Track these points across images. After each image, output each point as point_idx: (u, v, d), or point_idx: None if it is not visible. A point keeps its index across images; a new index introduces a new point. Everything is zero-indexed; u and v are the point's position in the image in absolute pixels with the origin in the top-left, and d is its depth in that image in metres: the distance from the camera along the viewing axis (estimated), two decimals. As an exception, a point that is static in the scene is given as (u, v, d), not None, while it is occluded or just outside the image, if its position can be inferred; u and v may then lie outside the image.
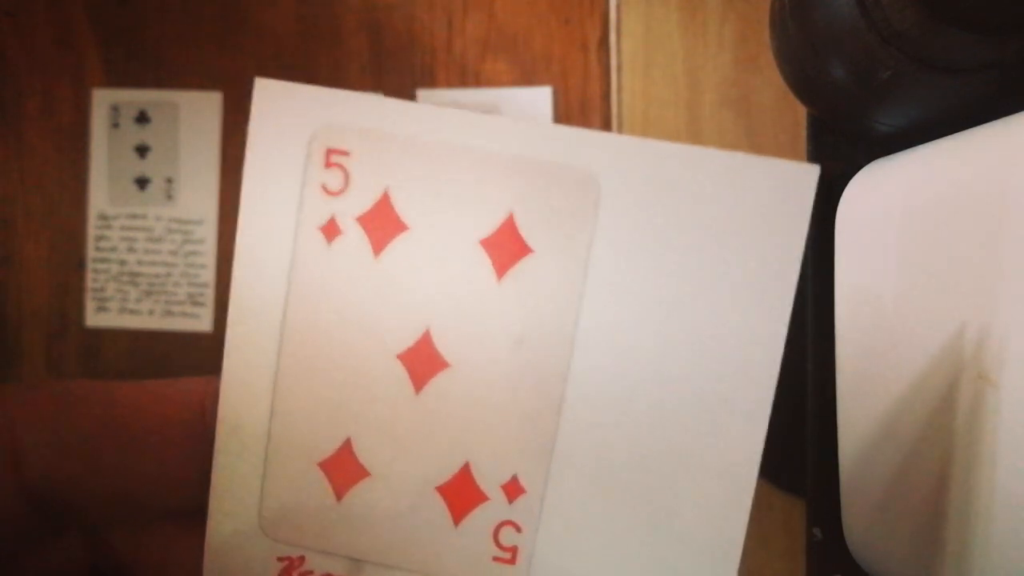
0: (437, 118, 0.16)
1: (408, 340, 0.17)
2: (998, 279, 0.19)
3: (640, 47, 0.44)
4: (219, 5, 0.49)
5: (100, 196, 0.49)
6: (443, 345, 0.17)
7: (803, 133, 0.30)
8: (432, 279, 0.17)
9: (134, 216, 0.49)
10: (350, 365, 0.17)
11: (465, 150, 0.16)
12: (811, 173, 0.16)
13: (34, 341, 0.49)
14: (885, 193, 0.25)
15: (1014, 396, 0.19)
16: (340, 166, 0.17)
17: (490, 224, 0.17)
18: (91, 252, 0.49)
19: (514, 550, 0.18)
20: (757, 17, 0.43)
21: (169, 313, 0.48)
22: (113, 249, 0.49)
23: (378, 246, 0.17)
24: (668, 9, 0.44)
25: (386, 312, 0.17)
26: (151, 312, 0.48)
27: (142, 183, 0.49)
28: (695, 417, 0.17)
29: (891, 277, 0.24)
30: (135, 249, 0.49)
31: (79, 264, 0.49)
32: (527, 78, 0.47)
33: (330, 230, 0.17)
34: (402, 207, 0.17)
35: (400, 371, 0.17)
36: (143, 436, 0.17)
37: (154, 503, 0.18)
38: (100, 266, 0.49)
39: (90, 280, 0.49)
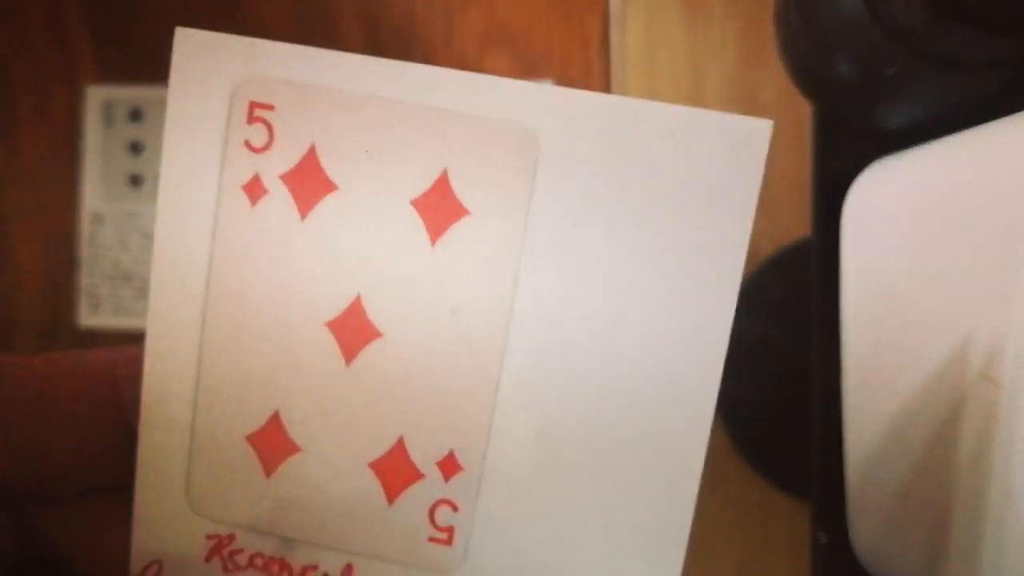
0: (365, 68, 0.16)
1: (337, 307, 0.16)
2: (1009, 278, 0.19)
3: (642, 43, 0.44)
4: (213, 0, 0.48)
5: (94, 194, 0.48)
6: (374, 313, 0.16)
7: (808, 130, 0.29)
8: (362, 242, 0.16)
9: (128, 214, 0.48)
10: (277, 334, 0.17)
11: (396, 103, 0.16)
12: (764, 129, 0.15)
13: (26, 341, 0.49)
14: (894, 191, 0.25)
15: (1022, 399, 0.18)
16: (264, 120, 0.16)
17: (423, 183, 0.16)
18: (84, 251, 0.49)
19: (450, 531, 0.17)
20: (761, 13, 0.43)
21: (164, 313, 0.48)
22: (107, 248, 0.48)
23: (305, 207, 0.16)
24: (670, 5, 0.44)
25: (314, 278, 0.16)
26: (146, 312, 0.48)
27: (136, 181, 0.48)
28: (641, 389, 0.16)
29: (901, 276, 0.24)
30: (129, 248, 0.48)
31: (72, 263, 0.49)
32: (527, 73, 0.47)
33: (254, 189, 0.16)
34: (329, 164, 0.16)
35: (329, 340, 0.17)
36: (54, 411, 0.17)
37: (74, 479, 0.18)
38: (94, 265, 0.48)
39: (84, 279, 0.49)
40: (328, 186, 0.16)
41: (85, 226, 0.49)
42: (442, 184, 0.16)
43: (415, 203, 0.16)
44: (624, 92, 0.44)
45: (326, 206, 0.16)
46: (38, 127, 0.49)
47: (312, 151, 0.16)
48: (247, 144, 0.16)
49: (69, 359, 0.18)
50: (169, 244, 0.16)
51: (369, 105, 0.16)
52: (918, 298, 0.23)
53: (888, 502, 0.24)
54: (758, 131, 0.15)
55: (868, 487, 0.26)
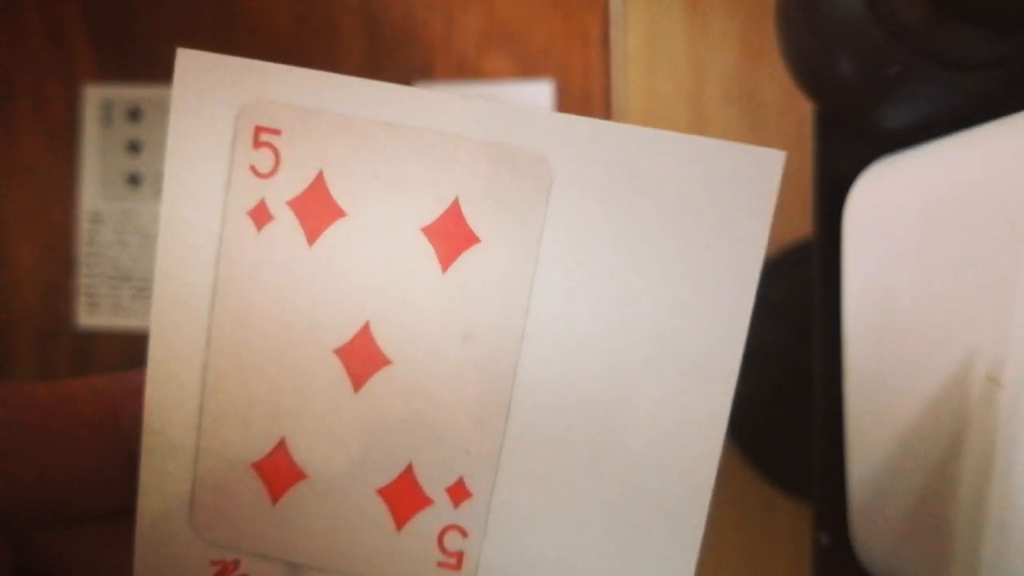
0: (374, 93, 0.15)
1: (346, 334, 0.16)
2: (1014, 281, 0.19)
3: (643, 41, 0.44)
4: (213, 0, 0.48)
5: (92, 194, 0.48)
6: (384, 340, 0.16)
7: (809, 129, 0.29)
8: (371, 269, 0.16)
9: (127, 213, 0.48)
10: (284, 361, 0.16)
11: (406, 129, 0.16)
12: (776, 159, 0.15)
13: (25, 342, 0.49)
14: (895, 191, 0.25)
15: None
16: (270, 145, 0.16)
17: (434, 210, 0.16)
18: (83, 250, 0.48)
19: (459, 555, 0.17)
20: (762, 12, 0.43)
21: (163, 312, 0.48)
22: (105, 247, 0.48)
23: (312, 233, 0.16)
24: (671, 3, 0.43)
25: (322, 304, 0.16)
26: (145, 312, 0.48)
27: (134, 180, 0.48)
28: (651, 416, 0.16)
29: (905, 276, 0.24)
30: (128, 247, 0.48)
31: (71, 262, 0.49)
32: (527, 72, 0.47)
33: (260, 215, 0.16)
34: (338, 191, 0.16)
35: (337, 367, 0.16)
36: (55, 440, 0.17)
37: (74, 507, 0.18)
38: (93, 265, 0.48)
39: (82, 279, 0.48)
40: (337, 212, 0.16)
41: (83, 225, 0.48)
42: (454, 212, 0.16)
43: (426, 230, 0.16)
44: (625, 91, 0.44)
45: (334, 232, 0.16)
46: (36, 126, 0.49)
47: (320, 177, 0.16)
48: (253, 169, 0.16)
49: (70, 386, 0.17)
50: (172, 268, 0.16)
51: (378, 130, 0.16)
52: (924, 297, 0.23)
53: (892, 505, 0.24)
54: (771, 161, 0.15)
55: (872, 490, 0.26)
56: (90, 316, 0.48)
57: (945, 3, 0.21)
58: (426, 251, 0.16)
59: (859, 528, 0.26)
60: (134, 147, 0.48)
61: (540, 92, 0.46)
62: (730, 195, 0.15)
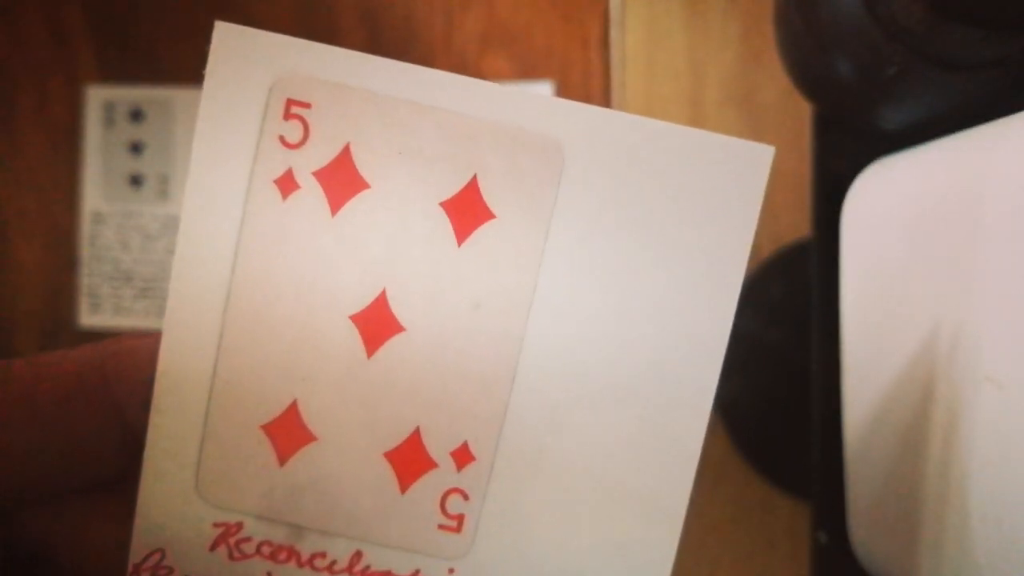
0: (404, 75, 0.16)
1: (362, 301, 0.17)
2: (1015, 278, 0.19)
3: (642, 42, 0.44)
4: (213, 1, 0.48)
5: (94, 194, 0.48)
6: (399, 308, 0.17)
7: (808, 130, 0.29)
8: (390, 240, 0.17)
9: (129, 214, 0.48)
10: (300, 324, 0.17)
11: (432, 109, 0.16)
12: (765, 153, 0.17)
13: (27, 342, 0.49)
14: (893, 191, 0.25)
15: (1021, 399, 0.18)
16: (300, 118, 0.16)
17: (453, 186, 0.17)
18: (85, 251, 0.48)
19: (460, 518, 0.18)
20: (761, 12, 0.43)
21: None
22: (107, 248, 0.48)
23: (336, 203, 0.17)
24: (670, 4, 0.43)
25: (340, 271, 0.17)
26: (147, 312, 0.48)
27: (136, 181, 0.48)
28: (646, 386, 0.17)
29: (904, 276, 0.24)
30: (130, 248, 0.48)
31: (73, 263, 0.49)
32: (527, 73, 0.47)
33: (286, 184, 0.17)
34: (362, 164, 0.17)
35: (352, 333, 0.17)
36: (43, 412, 0.17)
37: (65, 479, 0.18)
38: (94, 265, 0.48)
39: (84, 279, 0.48)
40: (360, 184, 0.17)
41: (86, 226, 0.49)
42: (472, 188, 0.17)
43: (444, 205, 0.17)
44: (624, 92, 0.44)
45: (357, 203, 0.17)
46: (38, 127, 0.49)
47: (347, 150, 0.17)
48: (282, 139, 0.16)
49: (52, 359, 0.17)
50: (195, 230, 0.17)
51: (405, 109, 0.16)
52: (919, 299, 0.23)
53: (891, 504, 0.24)
54: (761, 155, 0.17)
55: (870, 489, 0.26)
56: (92, 316, 0.48)
57: (944, 4, 0.21)
58: (443, 224, 0.17)
59: (857, 527, 0.27)
60: (136, 148, 0.48)
61: (540, 93, 0.46)
62: (722, 186, 0.17)
